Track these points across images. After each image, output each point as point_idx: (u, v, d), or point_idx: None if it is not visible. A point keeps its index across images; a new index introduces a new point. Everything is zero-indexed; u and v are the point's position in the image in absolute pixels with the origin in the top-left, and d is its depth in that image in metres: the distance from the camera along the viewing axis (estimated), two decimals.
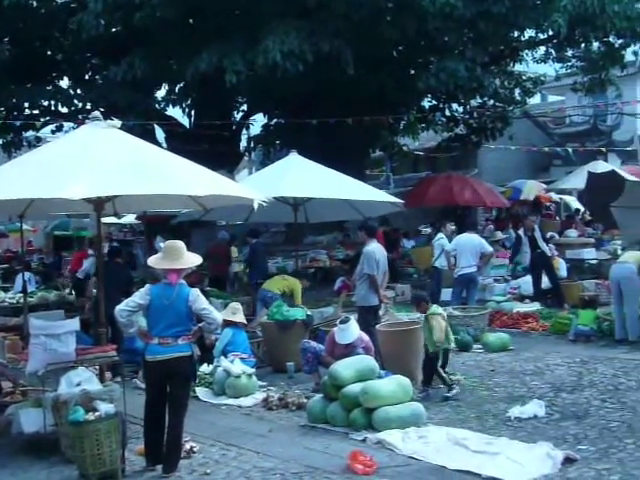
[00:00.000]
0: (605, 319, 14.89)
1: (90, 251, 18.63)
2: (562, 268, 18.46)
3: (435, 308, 11.43)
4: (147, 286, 8.49)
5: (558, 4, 20.49)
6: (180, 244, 8.59)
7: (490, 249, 17.78)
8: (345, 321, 11.13)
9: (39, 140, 27.74)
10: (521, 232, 19.74)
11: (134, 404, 9.10)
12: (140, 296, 8.30)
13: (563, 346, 14.49)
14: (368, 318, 12.77)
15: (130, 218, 26.45)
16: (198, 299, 8.34)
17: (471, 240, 17.37)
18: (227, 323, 12.42)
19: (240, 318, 12.86)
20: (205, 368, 12.18)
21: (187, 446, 8.72)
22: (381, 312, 13.39)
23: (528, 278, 19.77)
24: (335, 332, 11.13)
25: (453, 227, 19.25)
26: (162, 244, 15.81)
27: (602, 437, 8.82)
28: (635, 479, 7.47)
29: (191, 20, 23.31)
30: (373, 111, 23.34)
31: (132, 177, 9.04)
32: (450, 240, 18.04)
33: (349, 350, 10.82)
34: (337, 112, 22.01)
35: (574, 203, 30.78)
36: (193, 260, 8.67)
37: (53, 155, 9.74)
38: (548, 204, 31.06)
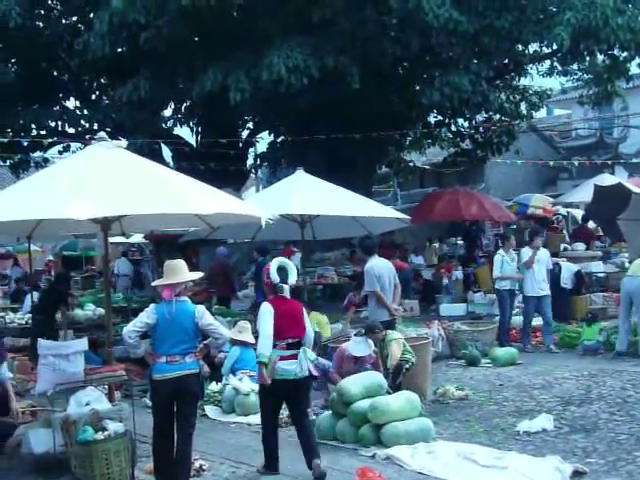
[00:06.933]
0: (613, 332, 14.88)
1: None
2: (567, 280, 18.25)
3: (391, 334, 11.51)
4: (152, 305, 8.49)
5: (562, 18, 20.49)
6: (178, 262, 8.60)
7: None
8: (360, 334, 11.19)
9: (46, 161, 27.90)
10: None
11: (143, 423, 9.12)
12: (147, 315, 8.27)
13: (571, 360, 14.50)
14: None
15: (138, 237, 26.44)
16: (204, 315, 8.38)
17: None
18: (235, 342, 12.48)
19: (247, 337, 12.86)
20: (214, 386, 12.21)
21: (197, 464, 8.75)
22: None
23: None
24: (349, 345, 11.15)
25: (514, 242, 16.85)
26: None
27: (611, 450, 8.83)
28: None
29: (196, 39, 23.42)
30: (379, 127, 23.36)
31: (138, 197, 9.05)
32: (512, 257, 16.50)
33: (358, 366, 10.84)
34: (343, 129, 22.04)
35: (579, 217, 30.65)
36: (188, 275, 8.69)
37: (60, 176, 9.76)
38: (554, 217, 30.92)
